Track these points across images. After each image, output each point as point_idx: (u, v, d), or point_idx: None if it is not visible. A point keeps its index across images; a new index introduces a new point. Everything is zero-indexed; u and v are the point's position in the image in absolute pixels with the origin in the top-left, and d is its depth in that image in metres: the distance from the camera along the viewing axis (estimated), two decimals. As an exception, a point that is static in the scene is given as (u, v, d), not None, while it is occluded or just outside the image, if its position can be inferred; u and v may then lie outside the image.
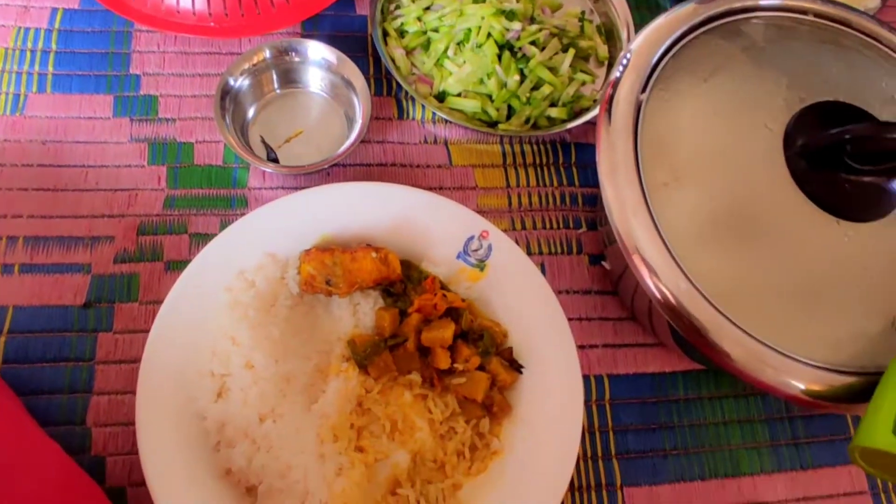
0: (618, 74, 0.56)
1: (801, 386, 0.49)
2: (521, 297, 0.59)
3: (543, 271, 0.65)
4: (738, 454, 0.62)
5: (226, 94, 0.64)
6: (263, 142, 0.66)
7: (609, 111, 0.55)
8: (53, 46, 0.69)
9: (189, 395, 0.53)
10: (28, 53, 0.68)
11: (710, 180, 0.54)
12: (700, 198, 0.54)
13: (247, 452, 0.51)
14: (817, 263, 0.52)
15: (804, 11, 0.59)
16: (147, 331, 0.54)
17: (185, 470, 0.51)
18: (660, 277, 0.51)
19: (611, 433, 0.61)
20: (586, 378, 0.62)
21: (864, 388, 0.49)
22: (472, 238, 0.60)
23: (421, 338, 0.56)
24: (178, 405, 0.52)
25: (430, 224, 0.60)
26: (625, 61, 0.56)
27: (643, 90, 0.55)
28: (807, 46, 0.58)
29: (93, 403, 0.57)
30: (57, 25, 0.70)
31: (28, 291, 0.59)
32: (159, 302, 0.59)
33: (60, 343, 0.58)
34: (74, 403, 0.56)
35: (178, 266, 0.61)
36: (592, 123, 0.69)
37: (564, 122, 0.68)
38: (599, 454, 0.60)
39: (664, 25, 0.57)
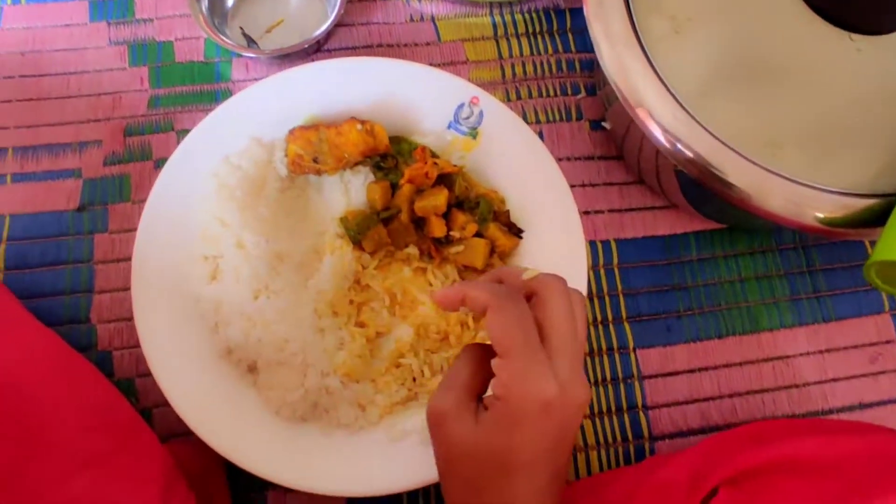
0: None
1: (820, 214, 0.47)
2: (517, 162, 0.56)
3: (542, 139, 0.62)
4: (757, 310, 0.60)
5: (200, -15, 0.61)
6: (244, 33, 0.64)
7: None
8: (24, -43, 0.67)
9: (183, 280, 0.52)
10: (-1, -34, 0.67)
11: (713, 19, 0.50)
12: (706, 39, 0.51)
13: (244, 328, 0.50)
14: (834, 89, 0.48)
15: None
16: (142, 228, 0.54)
17: (187, 353, 0.51)
18: (667, 128, 0.48)
19: (620, 297, 0.59)
20: (592, 244, 0.60)
21: (882, 210, 0.46)
22: (461, 105, 0.57)
23: (414, 207, 0.55)
24: (174, 291, 0.52)
25: (418, 95, 0.57)
26: None
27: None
28: None
29: (95, 302, 0.57)
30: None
31: (22, 199, 0.59)
32: (151, 199, 0.59)
33: (58, 247, 0.58)
34: (77, 303, 0.57)
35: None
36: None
37: (555, -16, 0.64)
38: (610, 318, 0.59)
39: None
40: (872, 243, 0.60)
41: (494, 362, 0.35)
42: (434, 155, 0.57)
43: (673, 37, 0.51)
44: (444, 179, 0.56)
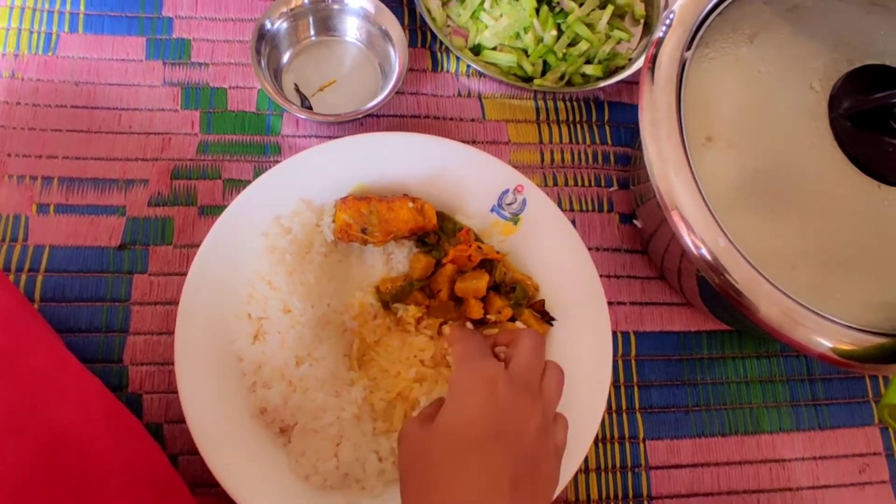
0: (661, 33, 0.55)
1: (832, 345, 0.50)
2: (554, 252, 0.59)
3: (574, 227, 0.65)
4: (759, 412, 0.63)
5: (262, 37, 0.63)
6: (297, 89, 0.66)
7: (652, 69, 0.54)
8: (85, -15, 0.68)
9: (226, 336, 0.54)
10: (59, -8, 0.67)
11: (752, 141, 0.54)
12: (741, 158, 0.54)
13: (283, 392, 0.52)
14: (856, 227, 0.52)
15: (852, -29, 0.58)
16: (182, 274, 0.55)
17: (222, 407, 0.52)
18: (697, 234, 0.51)
19: (636, 388, 0.62)
20: (613, 334, 0.63)
21: (893, 349, 0.50)
22: (506, 192, 0.60)
23: (455, 287, 0.57)
24: (215, 346, 0.53)
25: (466, 176, 0.60)
26: (669, 20, 0.56)
27: (687, 48, 0.54)
28: (854, 8, 0.57)
29: (129, 343, 0.57)
30: (88, -36, 0.69)
31: (64, 231, 0.60)
32: (193, 246, 0.60)
33: (97, 283, 0.59)
34: (112, 342, 0.57)
35: (211, 211, 0.62)
36: (627, 82, 0.69)
37: (599, 79, 0.67)
38: (624, 408, 0.62)
39: (710, -18, 0.56)
40: (874, 381, 0.65)
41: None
42: (477, 238, 0.59)
43: (715, 152, 0.55)
44: (485, 263, 0.58)
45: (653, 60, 0.55)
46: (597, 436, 0.59)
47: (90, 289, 0.58)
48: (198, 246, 0.54)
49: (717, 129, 0.55)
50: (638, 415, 0.62)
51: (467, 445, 0.38)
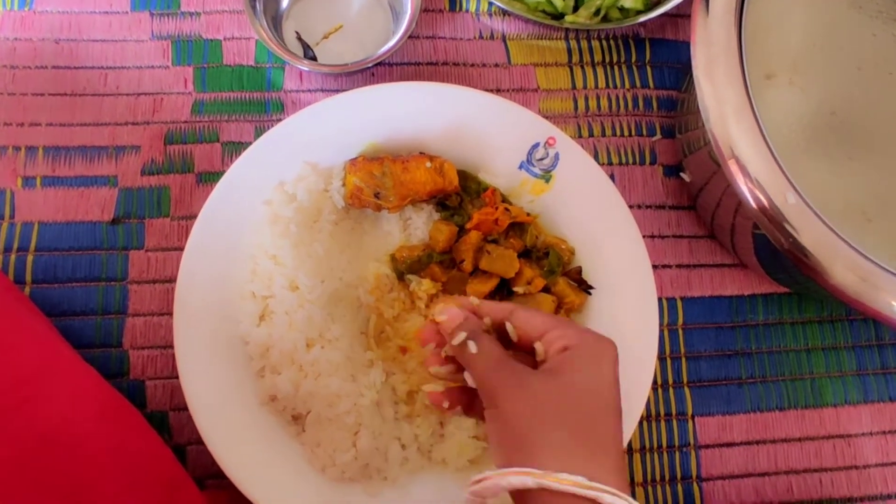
0: (717, -50, 0.47)
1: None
2: (591, 212, 0.53)
3: (613, 182, 0.58)
4: (821, 383, 0.57)
5: (256, -18, 0.56)
6: (299, 38, 0.59)
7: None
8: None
9: (229, 317, 0.49)
10: (33, -62, 0.61)
11: (823, 78, 0.47)
12: (810, 98, 0.47)
13: (293, 379, 0.47)
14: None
15: None
16: (180, 248, 0.50)
17: (227, 395, 0.48)
18: (761, 187, 0.44)
19: (683, 360, 0.56)
20: (658, 301, 0.56)
21: None
22: (536, 145, 0.53)
23: (480, 264, 0.51)
24: (218, 328, 0.49)
25: (490, 130, 0.53)
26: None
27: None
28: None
29: (128, 325, 0.53)
30: None
31: (52, 206, 0.55)
32: (192, 217, 0.54)
33: (90, 261, 0.54)
34: (109, 325, 0.53)
35: (210, 178, 0.56)
36: (671, 15, 0.60)
37: (639, 13, 0.59)
38: (670, 382, 0.56)
39: None
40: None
41: (550, 335, 0.38)
42: (504, 199, 0.53)
43: (778, 91, 0.47)
44: (515, 227, 0.52)
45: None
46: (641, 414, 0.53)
47: (84, 268, 0.54)
48: (197, 217, 0.49)
49: (781, 65, 0.47)
50: (686, 389, 0.56)
51: (612, 407, 0.37)
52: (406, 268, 0.51)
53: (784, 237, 0.44)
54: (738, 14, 0.46)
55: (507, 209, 0.51)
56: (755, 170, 0.44)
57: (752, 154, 0.45)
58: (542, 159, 0.53)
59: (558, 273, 0.52)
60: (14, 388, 0.40)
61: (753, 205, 0.45)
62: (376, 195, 0.51)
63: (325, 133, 0.52)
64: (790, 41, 0.47)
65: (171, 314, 0.47)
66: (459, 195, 0.53)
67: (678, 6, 0.58)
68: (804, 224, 0.43)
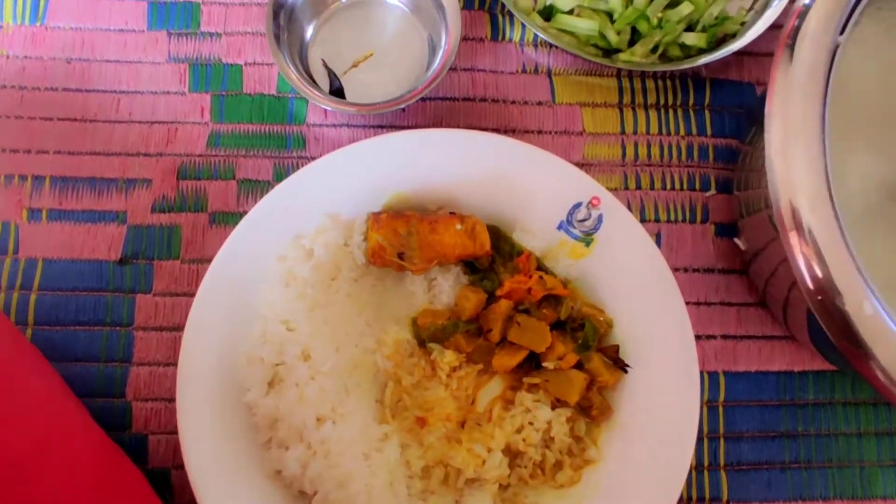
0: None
1: None
2: (633, 280, 0.48)
3: (659, 242, 0.54)
4: (872, 472, 0.52)
5: (280, 7, 0.51)
6: (326, 66, 0.54)
7: (791, 48, 0.41)
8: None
9: (237, 381, 0.46)
10: (47, -55, 0.56)
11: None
12: (884, 163, 0.41)
13: (301, 458, 0.44)
14: None
15: None
16: (190, 294, 0.47)
17: (230, 465, 0.45)
18: (833, 287, 0.39)
19: (721, 440, 0.52)
20: (699, 375, 0.52)
21: None
22: (579, 205, 0.48)
23: (509, 335, 0.47)
24: (224, 390, 0.45)
25: (529, 185, 0.49)
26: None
27: (843, 26, 0.40)
28: None
29: (132, 375, 0.50)
30: None
31: (58, 242, 0.52)
32: (203, 261, 0.52)
33: (95, 303, 0.51)
34: (113, 373, 0.50)
35: (224, 219, 0.52)
36: (738, 54, 0.54)
37: (702, 52, 0.53)
38: (705, 464, 0.52)
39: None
40: None
41: None
42: (540, 265, 0.48)
43: (850, 155, 0.42)
44: (549, 298, 0.48)
45: (793, 35, 0.41)
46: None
47: (88, 310, 0.51)
48: (208, 261, 0.46)
49: (857, 125, 0.42)
50: (722, 472, 0.51)
51: None
52: (429, 336, 0.47)
53: (854, 347, 0.39)
54: (827, 67, 0.40)
55: (541, 277, 0.47)
56: (822, 246, 0.39)
57: (820, 230, 0.39)
58: (583, 220, 0.48)
59: (593, 348, 0.47)
60: (9, 467, 0.38)
61: (819, 304, 0.40)
62: (400, 255, 0.47)
63: (349, 182, 0.48)
64: (867, 100, 0.41)
65: (177, 365, 0.45)
66: (491, 256, 0.49)
67: (749, 44, 0.52)
68: (880, 339, 0.38)
